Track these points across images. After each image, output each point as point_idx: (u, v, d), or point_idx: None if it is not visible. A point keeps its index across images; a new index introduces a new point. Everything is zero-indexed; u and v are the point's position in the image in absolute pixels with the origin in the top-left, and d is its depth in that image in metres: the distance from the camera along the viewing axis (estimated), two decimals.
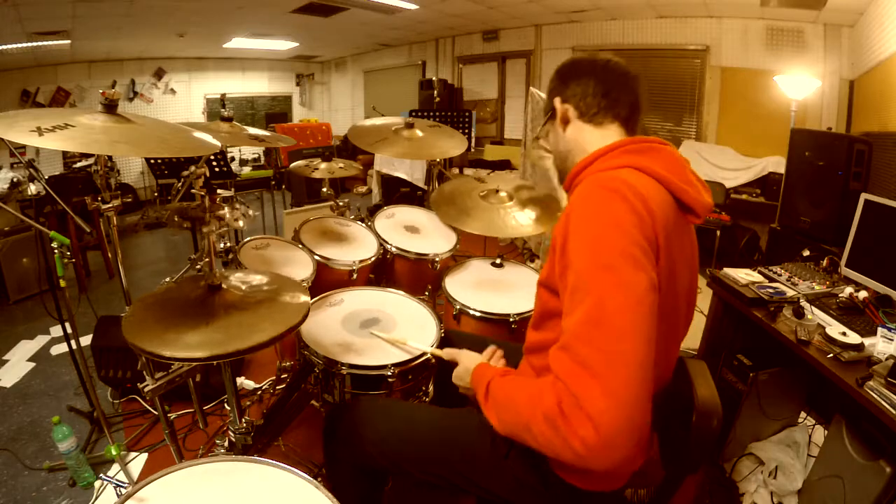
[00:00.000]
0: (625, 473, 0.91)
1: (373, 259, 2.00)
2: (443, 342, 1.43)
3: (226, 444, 1.35)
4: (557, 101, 0.99)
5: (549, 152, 1.07)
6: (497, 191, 1.96)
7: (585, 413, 0.61)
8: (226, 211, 1.29)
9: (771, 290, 1.66)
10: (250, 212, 1.69)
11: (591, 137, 0.95)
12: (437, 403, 1.49)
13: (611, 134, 0.95)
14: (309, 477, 0.88)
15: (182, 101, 7.09)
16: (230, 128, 1.75)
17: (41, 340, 2.82)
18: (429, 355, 1.34)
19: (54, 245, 1.45)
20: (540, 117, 1.06)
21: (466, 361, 1.07)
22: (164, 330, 1.01)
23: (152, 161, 3.91)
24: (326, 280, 1.87)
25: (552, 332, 0.83)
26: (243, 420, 1.30)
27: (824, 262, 1.91)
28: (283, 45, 6.91)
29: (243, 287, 1.20)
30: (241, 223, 1.58)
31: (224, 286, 1.17)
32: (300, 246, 1.98)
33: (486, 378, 0.91)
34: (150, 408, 2.07)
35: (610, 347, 0.64)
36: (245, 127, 1.82)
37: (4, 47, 4.55)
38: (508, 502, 0.98)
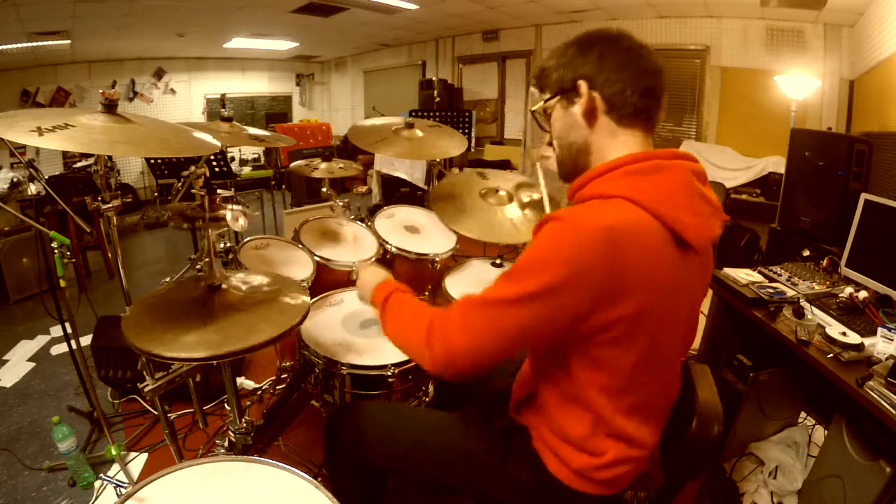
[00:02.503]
0: (625, 478, 0.89)
1: (373, 259, 2.00)
2: None
3: (226, 444, 1.35)
4: (583, 85, 0.82)
5: (551, 143, 0.92)
6: (497, 190, 1.96)
7: (444, 337, 0.81)
8: (226, 213, 1.28)
9: (771, 290, 1.66)
10: (246, 214, 1.65)
11: (609, 144, 0.84)
12: (437, 404, 1.49)
13: (631, 141, 0.83)
14: (309, 477, 0.88)
15: (182, 101, 7.09)
16: (230, 128, 1.75)
17: (41, 340, 2.82)
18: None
19: (54, 245, 1.45)
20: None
21: (371, 276, 1.10)
22: (163, 330, 1.01)
23: (152, 161, 3.91)
24: (326, 280, 1.87)
25: (550, 361, 0.88)
26: (243, 420, 1.30)
27: (824, 262, 1.90)
28: (283, 45, 6.90)
29: (243, 287, 1.20)
30: (240, 221, 1.56)
31: (224, 286, 1.17)
32: (300, 246, 1.98)
33: (387, 291, 1.00)
34: (150, 408, 2.07)
35: (478, 315, 0.80)
36: (245, 127, 1.82)
37: (4, 47, 4.55)
38: None
